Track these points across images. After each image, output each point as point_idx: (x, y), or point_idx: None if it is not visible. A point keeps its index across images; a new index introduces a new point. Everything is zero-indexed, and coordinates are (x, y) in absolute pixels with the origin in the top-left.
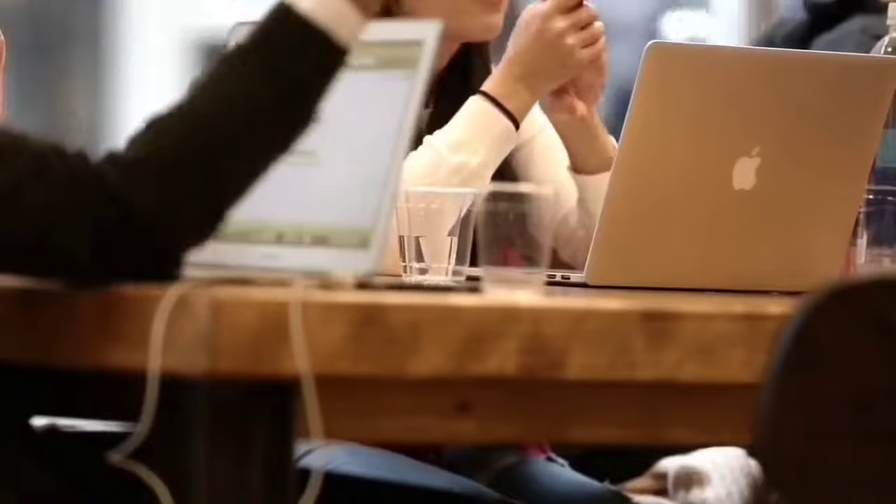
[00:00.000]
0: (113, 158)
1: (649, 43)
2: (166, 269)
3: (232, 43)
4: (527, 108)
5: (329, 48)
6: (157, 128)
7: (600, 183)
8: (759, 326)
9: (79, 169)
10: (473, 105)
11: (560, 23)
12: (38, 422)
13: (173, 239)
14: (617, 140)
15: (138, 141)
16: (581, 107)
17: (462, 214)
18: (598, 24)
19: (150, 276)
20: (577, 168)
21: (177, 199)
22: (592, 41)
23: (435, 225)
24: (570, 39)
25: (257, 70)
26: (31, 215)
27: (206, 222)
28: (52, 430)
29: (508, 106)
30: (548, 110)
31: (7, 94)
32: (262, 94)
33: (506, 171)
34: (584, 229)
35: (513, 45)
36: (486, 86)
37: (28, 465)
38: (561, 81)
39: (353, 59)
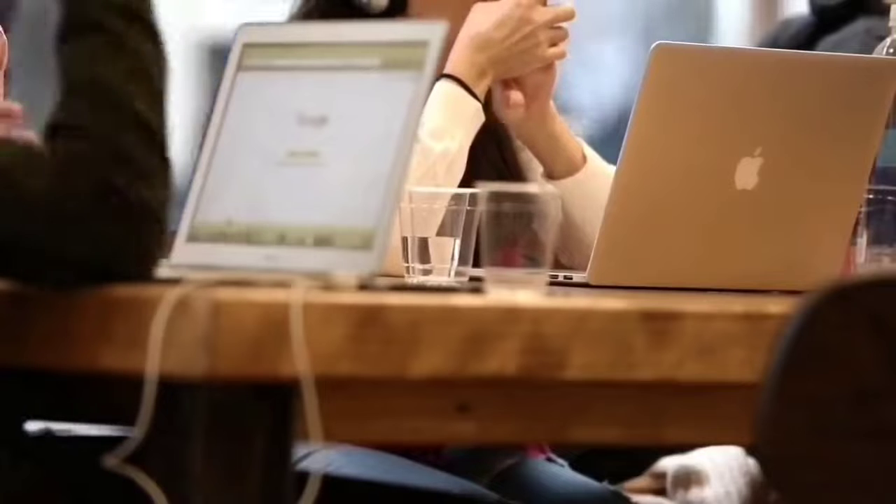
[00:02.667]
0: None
1: (654, 44)
2: (161, 233)
3: (237, 45)
4: (487, 88)
5: None
6: (66, 123)
7: (568, 187)
8: (759, 326)
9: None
10: (445, 90)
11: (539, 16)
12: (33, 426)
13: (156, 202)
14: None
15: (64, 140)
16: (520, 97)
17: (464, 213)
18: (566, 25)
19: (153, 247)
20: (546, 174)
21: (137, 165)
22: (559, 40)
23: (437, 225)
24: (543, 35)
25: (90, 20)
26: (32, 211)
27: (163, 168)
28: (46, 434)
29: (476, 90)
30: (498, 108)
31: (9, 96)
32: (116, 31)
33: (509, 172)
34: (570, 233)
35: (480, 17)
36: (453, 68)
37: (22, 470)
38: (519, 73)
39: (358, 59)
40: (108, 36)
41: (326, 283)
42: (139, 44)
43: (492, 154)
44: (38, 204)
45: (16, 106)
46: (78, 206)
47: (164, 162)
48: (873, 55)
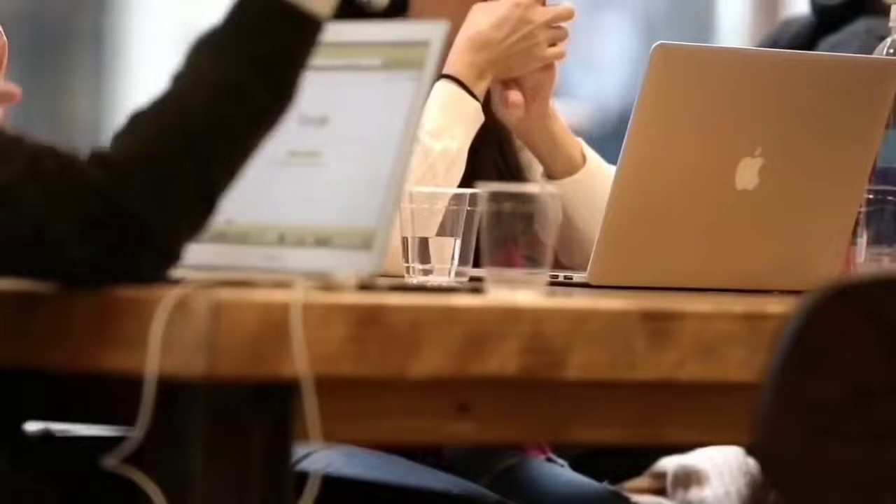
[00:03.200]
0: (98, 157)
1: (655, 44)
2: (164, 263)
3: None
4: (486, 88)
5: (303, 21)
6: (140, 121)
7: (568, 187)
8: (759, 326)
9: (71, 169)
10: (444, 90)
11: (538, 16)
12: (33, 426)
13: (166, 233)
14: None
15: (122, 137)
16: (520, 97)
17: (464, 213)
18: (565, 24)
19: (148, 273)
20: (546, 174)
21: (164, 193)
22: (559, 40)
23: (437, 225)
24: (542, 35)
25: (233, 51)
26: (26, 215)
27: (198, 212)
28: (46, 434)
29: (475, 91)
30: (497, 108)
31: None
32: (241, 75)
33: (509, 172)
34: (570, 233)
35: (479, 18)
36: (452, 68)
37: (21, 471)
38: (518, 73)
39: (359, 58)
40: (227, 80)
41: (326, 284)
42: (255, 100)
43: (492, 154)
44: (37, 203)
45: (15, 87)
46: (74, 210)
47: (202, 206)
48: (873, 55)
